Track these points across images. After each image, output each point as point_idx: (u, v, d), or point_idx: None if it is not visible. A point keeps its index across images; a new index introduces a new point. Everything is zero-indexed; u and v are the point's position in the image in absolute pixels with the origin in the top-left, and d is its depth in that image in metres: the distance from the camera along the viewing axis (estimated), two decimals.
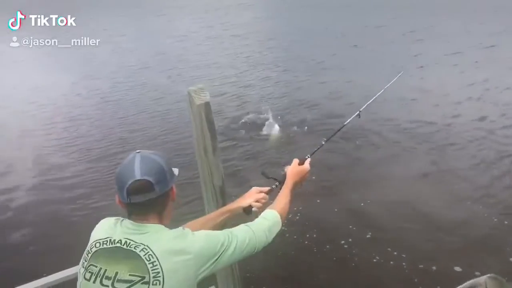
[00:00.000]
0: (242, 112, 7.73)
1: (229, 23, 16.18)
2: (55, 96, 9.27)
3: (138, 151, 1.47)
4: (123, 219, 1.49)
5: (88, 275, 1.38)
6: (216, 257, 1.46)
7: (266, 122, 6.97)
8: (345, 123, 2.27)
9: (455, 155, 5.82)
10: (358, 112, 2.33)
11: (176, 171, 1.55)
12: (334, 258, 3.92)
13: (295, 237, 4.21)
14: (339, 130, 2.23)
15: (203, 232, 1.49)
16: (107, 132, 7.22)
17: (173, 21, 17.17)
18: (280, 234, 4.13)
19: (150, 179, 1.39)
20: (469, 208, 4.61)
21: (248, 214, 1.91)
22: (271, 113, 7.29)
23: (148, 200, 1.40)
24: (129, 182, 1.38)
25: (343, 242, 4.10)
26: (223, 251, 1.48)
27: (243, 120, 7.32)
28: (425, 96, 7.93)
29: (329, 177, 5.37)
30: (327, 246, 4.07)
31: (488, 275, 1.19)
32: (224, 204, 2.55)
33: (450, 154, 5.85)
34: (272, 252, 3.80)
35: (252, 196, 1.93)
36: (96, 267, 1.37)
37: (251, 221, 1.79)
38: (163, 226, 1.45)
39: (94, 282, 1.35)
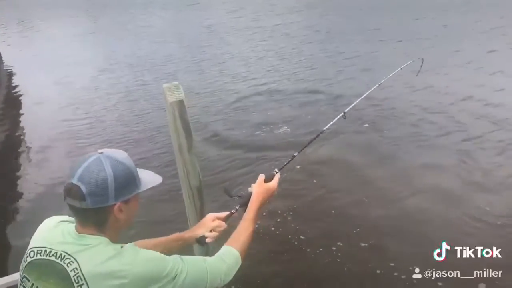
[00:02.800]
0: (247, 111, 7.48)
1: (261, 13, 15.77)
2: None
3: (100, 151, 1.32)
4: (68, 223, 1.39)
5: None
6: (156, 286, 1.29)
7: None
8: (324, 128, 2.03)
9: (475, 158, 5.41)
10: (342, 113, 2.07)
11: (144, 185, 1.38)
12: (326, 261, 3.76)
13: (289, 237, 4.06)
14: (315, 138, 2.01)
15: (149, 254, 1.34)
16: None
17: (205, 11, 17.05)
18: (271, 234, 4.01)
19: (83, 187, 1.25)
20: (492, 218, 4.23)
21: (201, 245, 1.79)
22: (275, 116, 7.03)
23: (80, 208, 1.28)
24: (67, 181, 1.28)
25: (335, 244, 3.93)
26: (166, 282, 1.32)
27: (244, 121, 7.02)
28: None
29: (327, 174, 5.13)
30: (320, 249, 3.90)
31: None
32: (201, 205, 2.48)
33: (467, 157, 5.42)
34: (260, 252, 3.71)
35: (206, 225, 1.78)
36: (29, 281, 1.31)
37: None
38: (106, 240, 1.31)
39: None
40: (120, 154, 1.35)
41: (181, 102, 2.15)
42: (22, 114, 8.27)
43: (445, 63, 8.77)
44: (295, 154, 1.93)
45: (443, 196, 4.58)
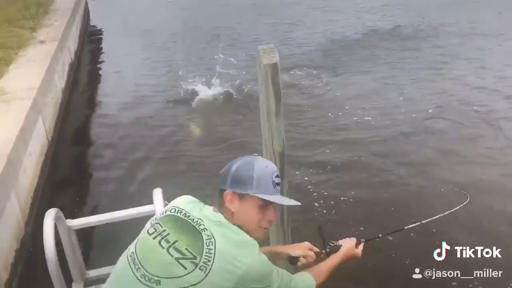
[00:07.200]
0: None
1: None
2: None
3: (255, 154, 1.62)
4: (204, 205, 1.56)
5: (151, 230, 1.49)
6: (256, 286, 1.43)
7: None
8: (407, 226, 2.19)
9: None
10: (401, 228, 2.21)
11: (261, 192, 1.50)
12: None
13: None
14: (399, 231, 2.19)
15: (265, 260, 1.47)
16: None
17: None
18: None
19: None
20: None
21: (292, 264, 1.90)
22: None
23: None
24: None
25: None
26: (264, 286, 1.46)
27: None
28: None
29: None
30: None
31: None
32: (282, 171, 2.48)
33: None
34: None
35: (303, 250, 1.90)
36: (162, 227, 1.48)
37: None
38: (238, 229, 1.46)
39: (154, 238, 1.46)
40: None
41: (274, 65, 2.14)
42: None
43: None
44: (380, 235, 2.07)
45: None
